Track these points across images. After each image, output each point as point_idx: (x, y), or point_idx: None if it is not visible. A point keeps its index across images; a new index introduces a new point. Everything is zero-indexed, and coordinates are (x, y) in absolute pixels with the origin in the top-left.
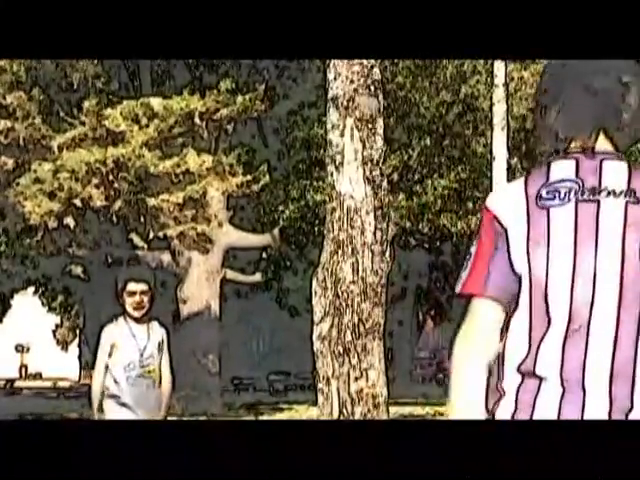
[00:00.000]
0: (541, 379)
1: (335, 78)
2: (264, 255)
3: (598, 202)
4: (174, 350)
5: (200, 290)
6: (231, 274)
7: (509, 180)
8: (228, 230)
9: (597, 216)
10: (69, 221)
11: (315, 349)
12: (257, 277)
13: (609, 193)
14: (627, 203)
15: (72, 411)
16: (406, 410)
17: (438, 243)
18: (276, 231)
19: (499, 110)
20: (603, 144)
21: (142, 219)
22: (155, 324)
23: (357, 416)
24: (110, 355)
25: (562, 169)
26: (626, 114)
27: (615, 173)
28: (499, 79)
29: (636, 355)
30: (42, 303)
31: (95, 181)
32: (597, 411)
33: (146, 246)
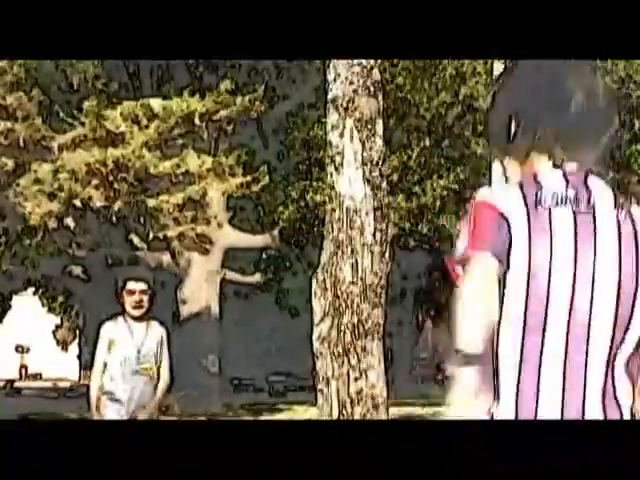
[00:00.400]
0: (539, 385)
1: (335, 79)
2: (264, 256)
3: (593, 212)
4: (174, 350)
5: (200, 291)
6: (231, 275)
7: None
8: (228, 231)
9: (594, 224)
10: (69, 222)
11: (315, 350)
12: (257, 278)
13: (601, 206)
14: (618, 220)
15: (72, 411)
16: (406, 410)
17: (438, 244)
18: (276, 232)
19: None
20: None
21: (142, 220)
22: (155, 323)
23: (357, 417)
24: (108, 352)
25: (552, 178)
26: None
27: (601, 186)
28: None
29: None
30: (42, 304)
31: (95, 182)
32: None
33: (146, 247)
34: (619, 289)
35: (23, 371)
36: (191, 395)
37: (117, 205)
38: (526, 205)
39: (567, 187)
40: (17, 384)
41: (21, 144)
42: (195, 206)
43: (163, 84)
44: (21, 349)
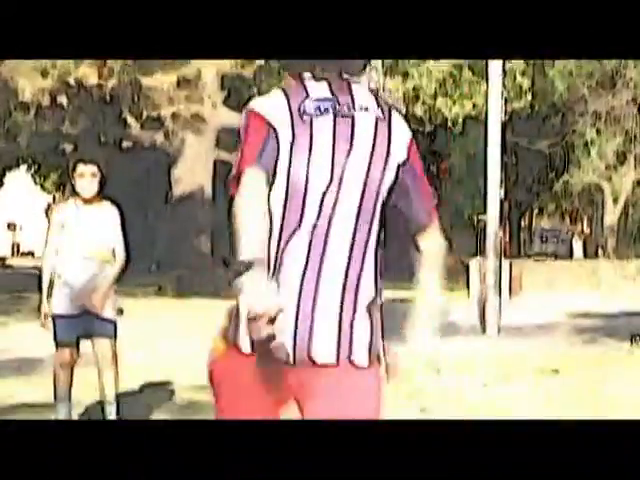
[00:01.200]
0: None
1: None
2: None
3: (353, 117)
4: (167, 231)
5: (193, 171)
6: (224, 155)
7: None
8: (222, 111)
9: (352, 129)
10: (62, 99)
11: None
12: None
13: (361, 109)
14: (377, 118)
15: None
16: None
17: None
18: None
19: None
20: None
21: (136, 99)
22: (107, 204)
23: None
24: (59, 235)
25: (318, 88)
26: None
27: (363, 93)
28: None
29: (361, 270)
30: (34, 181)
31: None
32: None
33: (139, 126)
34: (364, 191)
35: (15, 248)
36: (183, 274)
37: (111, 83)
38: (291, 114)
39: (331, 95)
40: (9, 261)
41: None
42: (189, 85)
43: None
44: (13, 227)
